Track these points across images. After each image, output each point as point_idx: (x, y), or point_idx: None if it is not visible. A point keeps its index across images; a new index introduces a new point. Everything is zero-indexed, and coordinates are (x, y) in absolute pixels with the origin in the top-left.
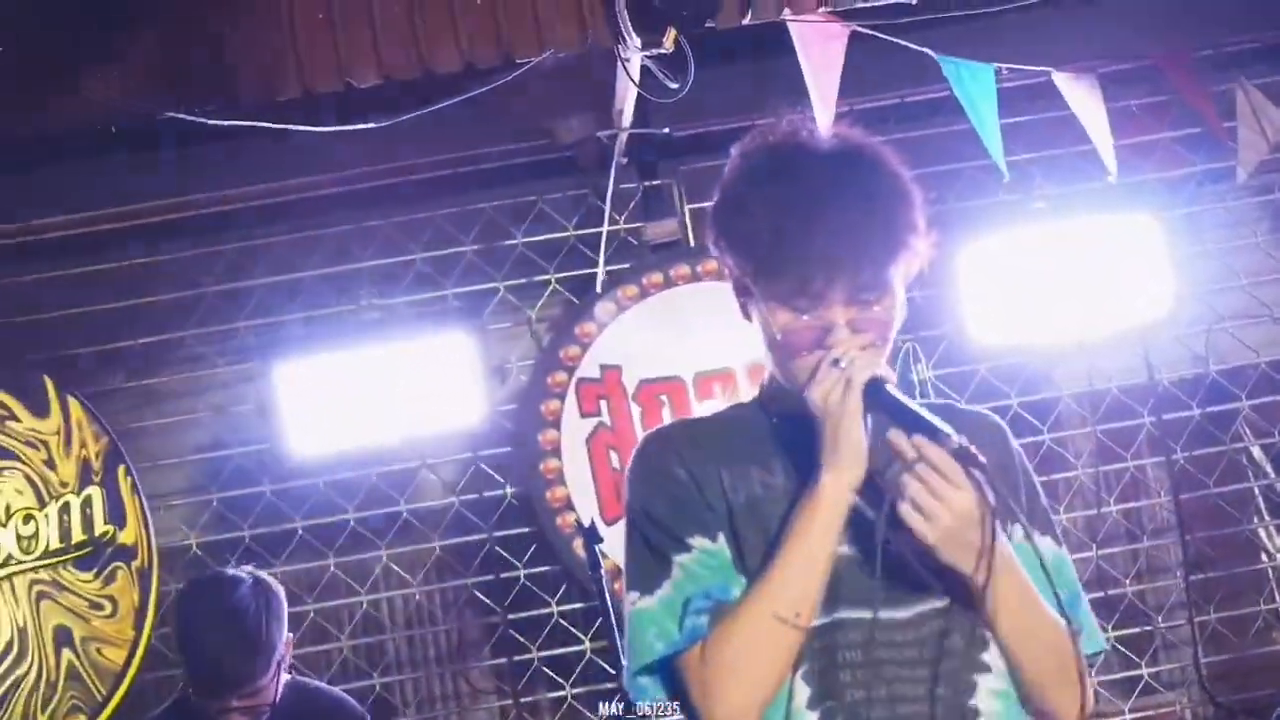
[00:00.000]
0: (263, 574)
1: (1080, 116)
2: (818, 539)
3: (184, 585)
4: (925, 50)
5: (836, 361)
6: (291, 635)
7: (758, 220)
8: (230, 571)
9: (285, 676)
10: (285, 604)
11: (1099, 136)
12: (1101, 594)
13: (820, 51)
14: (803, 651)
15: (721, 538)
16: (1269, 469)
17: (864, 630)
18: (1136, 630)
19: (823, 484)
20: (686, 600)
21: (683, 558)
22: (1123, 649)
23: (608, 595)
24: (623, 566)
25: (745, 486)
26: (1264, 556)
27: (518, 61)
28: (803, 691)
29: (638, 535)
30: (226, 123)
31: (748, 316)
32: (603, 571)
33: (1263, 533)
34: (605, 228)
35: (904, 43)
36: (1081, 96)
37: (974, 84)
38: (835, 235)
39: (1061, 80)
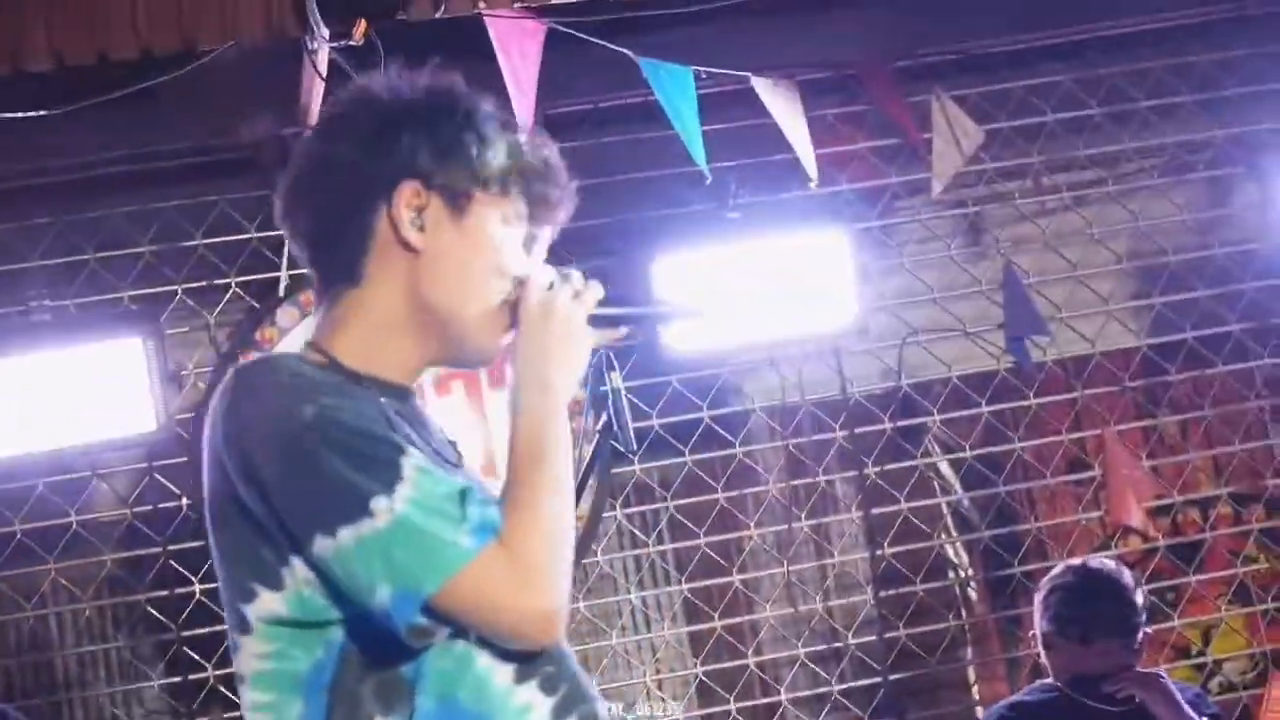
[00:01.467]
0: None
1: (780, 123)
2: (559, 408)
3: None
4: (623, 51)
5: (566, 276)
6: None
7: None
8: None
9: None
10: None
11: (799, 144)
12: (792, 610)
13: (518, 49)
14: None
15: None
16: (957, 485)
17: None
18: (825, 647)
19: (558, 390)
20: (462, 492)
21: (410, 459)
22: (812, 665)
23: None
24: (303, 501)
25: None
26: (951, 573)
27: (200, 51)
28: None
29: (334, 451)
30: None
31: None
32: None
33: (950, 549)
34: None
35: (602, 43)
36: (781, 103)
37: (674, 87)
38: None
39: (761, 86)
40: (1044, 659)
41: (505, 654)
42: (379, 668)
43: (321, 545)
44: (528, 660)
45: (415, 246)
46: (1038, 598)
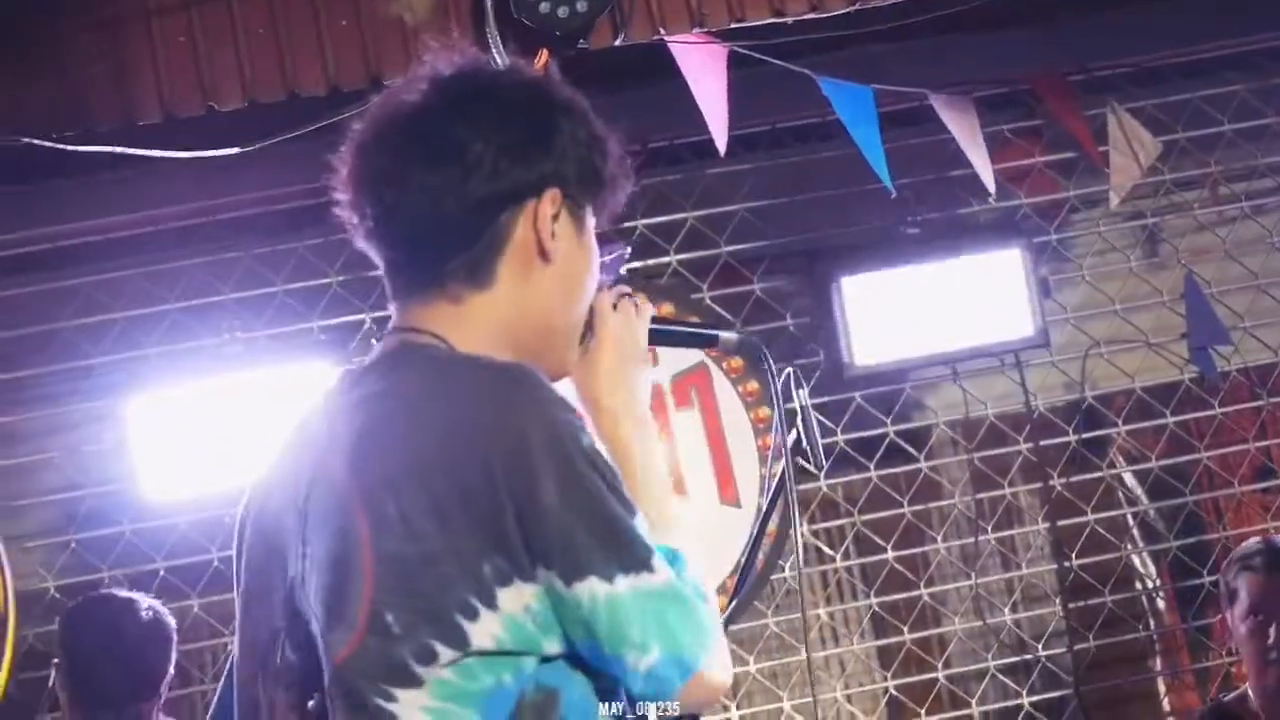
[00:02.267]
0: (157, 603)
1: (958, 139)
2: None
3: (75, 602)
4: (804, 71)
5: (625, 294)
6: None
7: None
8: (123, 594)
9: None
10: (174, 636)
11: (976, 159)
12: (980, 623)
13: (703, 73)
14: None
15: None
16: (1142, 495)
17: None
18: (1014, 659)
19: (642, 409)
20: (678, 560)
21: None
22: (1002, 677)
23: None
24: (585, 536)
25: None
26: (1139, 584)
27: (385, 84)
28: None
29: (611, 490)
30: (83, 148)
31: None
32: None
33: (1137, 560)
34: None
35: (782, 64)
36: (958, 119)
37: (854, 106)
38: None
39: (938, 102)
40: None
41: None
42: (562, 709)
43: (594, 587)
44: None
45: (550, 256)
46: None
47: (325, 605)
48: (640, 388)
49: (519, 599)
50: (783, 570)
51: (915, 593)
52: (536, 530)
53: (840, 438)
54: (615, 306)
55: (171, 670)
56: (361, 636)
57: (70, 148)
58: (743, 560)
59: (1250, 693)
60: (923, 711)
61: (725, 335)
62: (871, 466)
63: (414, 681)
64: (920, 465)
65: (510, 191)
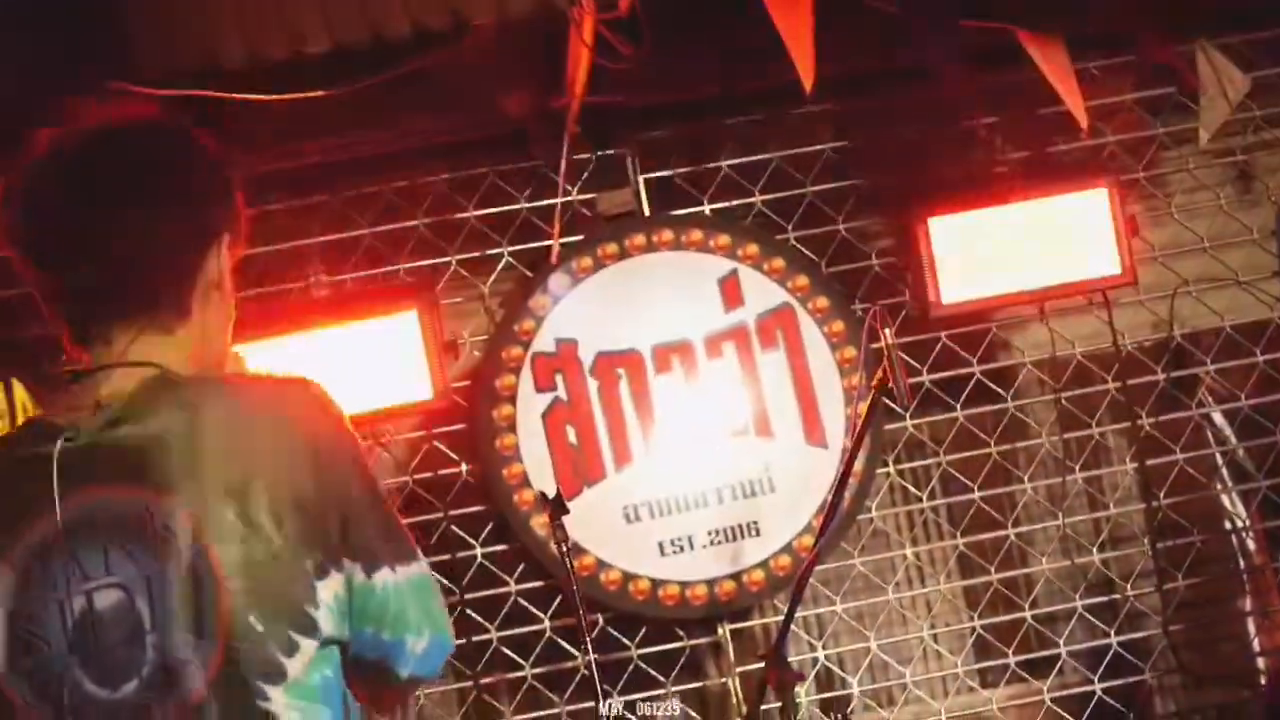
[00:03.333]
0: None
1: (1047, 74)
2: None
3: None
4: (889, 10)
5: None
6: None
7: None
8: None
9: None
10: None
11: (1068, 94)
12: (1068, 563)
13: (788, 12)
14: None
15: None
16: (1231, 435)
17: None
18: (1102, 599)
19: None
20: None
21: None
22: (1089, 618)
23: (572, 570)
24: (388, 529)
25: None
26: (1228, 524)
27: (469, 26)
28: None
29: (382, 491)
30: (162, 92)
31: None
32: (568, 546)
33: (1226, 500)
34: (559, 199)
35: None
36: (1047, 55)
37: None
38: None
39: (1027, 40)
40: None
41: None
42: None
43: (385, 575)
44: None
45: (225, 287)
46: None
47: (170, 624)
48: None
49: (331, 589)
50: (869, 511)
51: (1002, 533)
52: (348, 526)
53: (926, 378)
54: None
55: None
56: (227, 642)
57: (156, 92)
58: (829, 501)
59: None
60: (1010, 651)
61: None
62: (958, 407)
63: (283, 677)
64: (1007, 405)
65: (207, 231)
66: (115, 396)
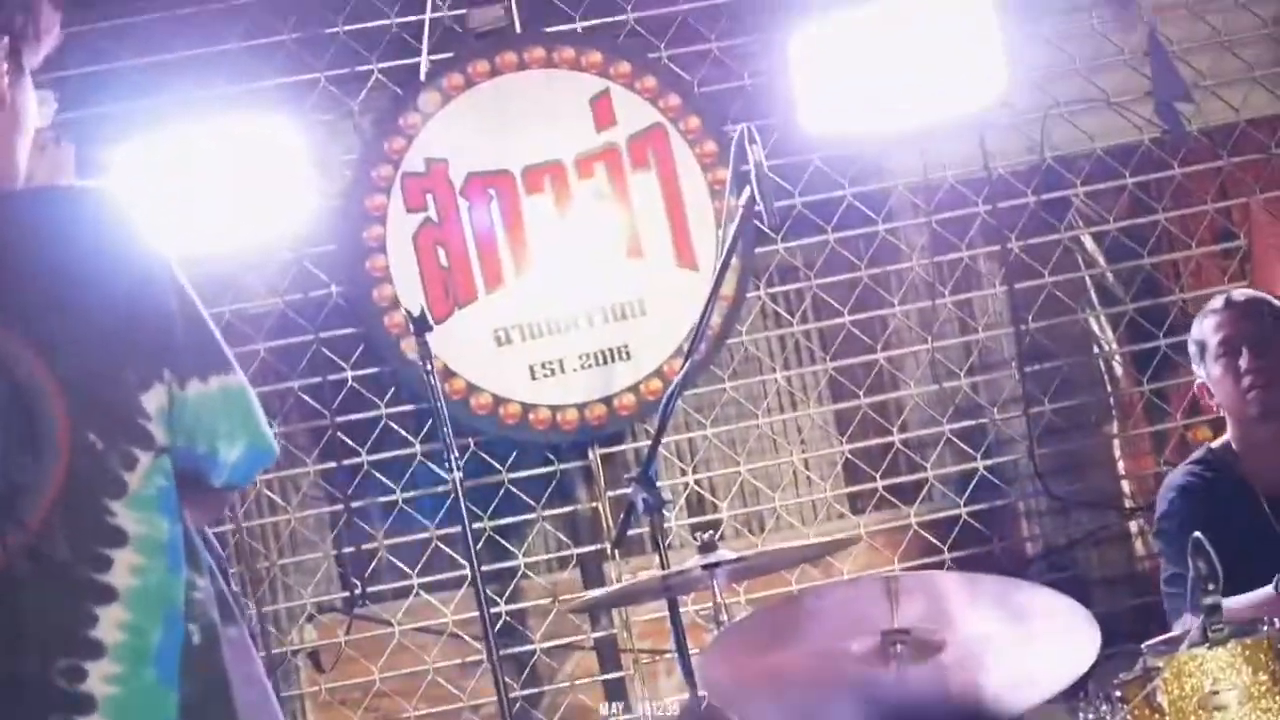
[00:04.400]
0: None
1: None
2: None
3: None
4: None
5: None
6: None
7: None
8: None
9: None
10: None
11: None
12: (936, 387)
13: None
14: None
15: None
16: (1100, 259)
17: None
18: (971, 424)
19: None
20: None
21: None
22: (958, 442)
23: (437, 388)
24: (197, 340)
25: None
26: (1095, 347)
27: None
28: None
29: (197, 302)
30: None
31: None
32: (432, 365)
33: (1094, 324)
34: (428, 15)
35: None
36: None
37: None
38: None
39: None
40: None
41: None
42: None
43: (195, 386)
44: None
45: (5, 101)
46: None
47: (7, 443)
48: None
49: (155, 401)
50: (740, 335)
51: (872, 357)
52: (156, 338)
53: (797, 200)
54: (43, 149)
55: None
56: (68, 459)
57: None
58: (700, 324)
59: (1232, 441)
60: (878, 475)
61: None
62: (829, 230)
63: (124, 491)
64: (879, 228)
65: None
66: None
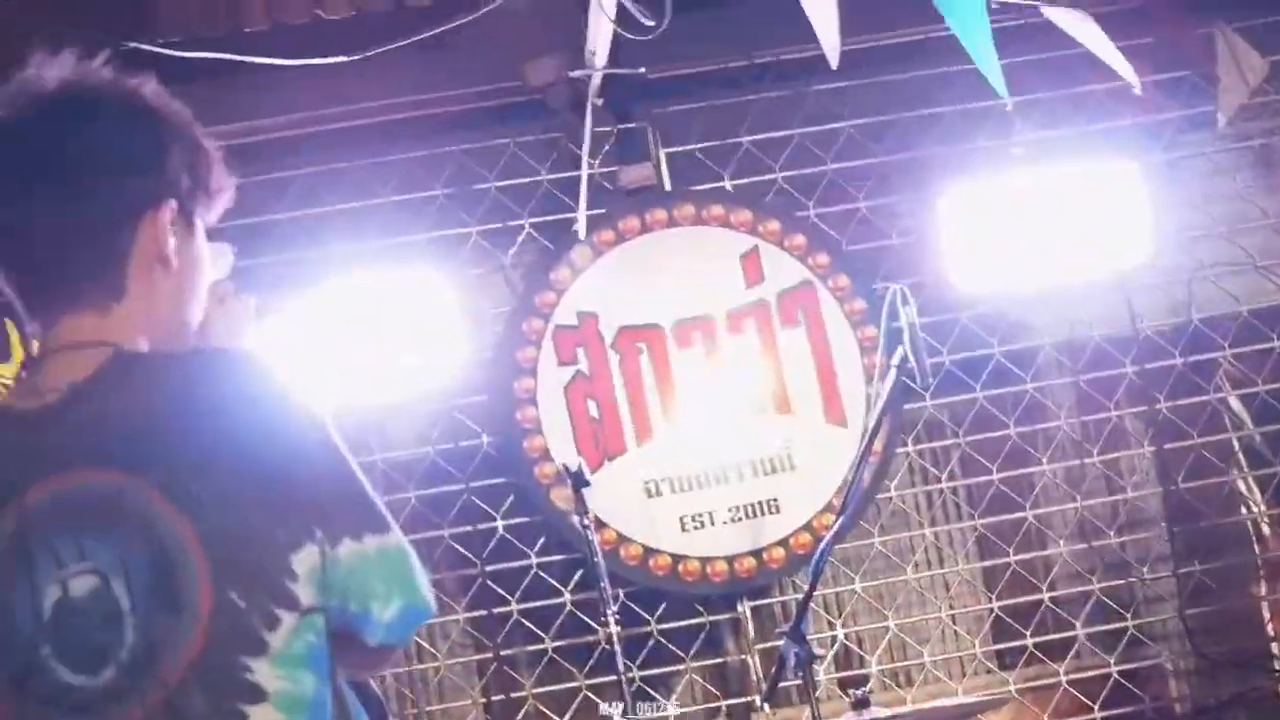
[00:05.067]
0: None
1: (1082, 41)
2: None
3: None
4: None
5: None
6: None
7: None
8: None
9: None
10: None
11: (1114, 60)
12: (1085, 545)
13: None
14: None
15: None
16: (1248, 420)
17: None
18: (1120, 582)
19: None
20: None
21: None
22: (1107, 601)
23: (594, 543)
24: (349, 500)
25: None
26: (1244, 509)
27: None
28: None
29: (349, 462)
30: (189, 54)
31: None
32: (589, 519)
33: (1242, 484)
34: (584, 171)
35: None
36: (1081, 29)
37: (967, 16)
38: None
39: (1055, 14)
40: None
41: None
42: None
43: (349, 546)
44: None
45: (171, 262)
46: None
47: (148, 606)
48: None
49: (307, 562)
50: (889, 490)
51: (1020, 515)
52: (314, 498)
53: (947, 358)
54: (222, 301)
55: None
56: (208, 619)
57: (176, 54)
58: (849, 479)
59: None
60: (1027, 633)
61: None
62: (978, 387)
63: (264, 650)
64: (1026, 386)
65: (129, 206)
66: (71, 378)
